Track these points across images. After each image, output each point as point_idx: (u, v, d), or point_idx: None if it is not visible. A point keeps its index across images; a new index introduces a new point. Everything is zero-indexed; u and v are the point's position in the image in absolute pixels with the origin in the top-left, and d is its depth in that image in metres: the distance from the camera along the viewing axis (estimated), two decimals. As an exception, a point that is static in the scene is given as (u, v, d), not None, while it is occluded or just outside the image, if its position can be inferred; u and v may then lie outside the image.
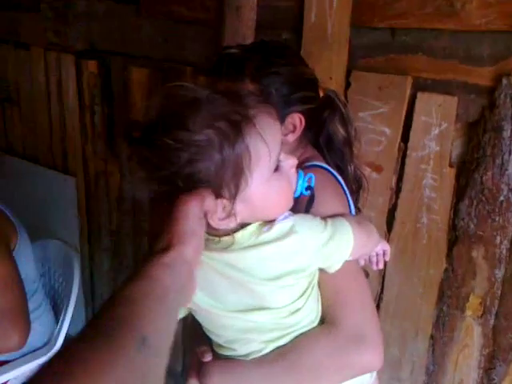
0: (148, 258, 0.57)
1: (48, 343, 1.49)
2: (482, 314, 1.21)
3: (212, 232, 0.68)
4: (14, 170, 2.60)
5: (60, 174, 2.39)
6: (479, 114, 1.15)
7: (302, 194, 0.72)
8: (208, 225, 0.63)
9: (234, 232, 0.68)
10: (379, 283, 1.35)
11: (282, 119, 0.80)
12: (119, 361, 0.46)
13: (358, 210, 1.02)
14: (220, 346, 0.81)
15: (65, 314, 1.53)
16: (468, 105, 1.17)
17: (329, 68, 1.34)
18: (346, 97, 1.33)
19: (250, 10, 1.46)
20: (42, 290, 1.56)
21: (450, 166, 1.21)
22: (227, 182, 0.62)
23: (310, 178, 0.73)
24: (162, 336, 0.53)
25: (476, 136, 1.15)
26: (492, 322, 1.20)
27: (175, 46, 1.75)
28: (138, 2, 1.81)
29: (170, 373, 2.04)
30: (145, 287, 0.53)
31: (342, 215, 0.77)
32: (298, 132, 0.91)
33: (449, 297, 1.25)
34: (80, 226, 2.38)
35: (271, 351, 0.75)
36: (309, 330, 0.76)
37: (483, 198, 1.15)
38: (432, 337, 1.31)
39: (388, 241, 1.30)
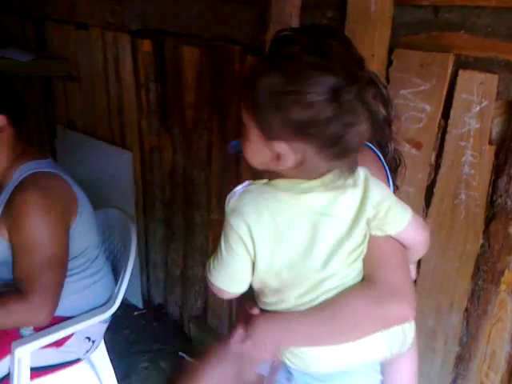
0: None
1: (107, 303, 1.62)
2: (517, 289, 1.24)
3: None
4: (76, 145, 2.78)
5: (118, 148, 2.55)
6: (520, 92, 1.16)
7: None
8: None
9: None
10: (416, 257, 1.39)
11: None
12: None
13: (396, 187, 1.07)
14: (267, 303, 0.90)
15: (123, 278, 1.66)
16: (509, 83, 1.17)
17: (371, 45, 1.37)
18: (387, 74, 1.36)
19: (296, -10, 1.50)
20: (104, 254, 1.68)
21: (490, 143, 1.22)
22: None
23: None
24: None
25: (516, 114, 1.16)
26: (526, 297, 1.23)
27: (224, 25, 1.82)
28: (190, -17, 1.89)
29: (216, 335, 2.18)
30: None
31: None
32: None
33: (484, 271, 1.28)
34: (135, 198, 2.54)
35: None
36: (350, 286, 0.84)
37: (521, 176, 1.17)
38: (466, 310, 1.34)
39: (426, 216, 1.34)
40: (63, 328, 1.48)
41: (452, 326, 1.38)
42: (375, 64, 1.36)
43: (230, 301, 2.17)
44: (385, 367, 0.97)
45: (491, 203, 1.24)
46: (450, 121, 1.27)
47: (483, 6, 1.18)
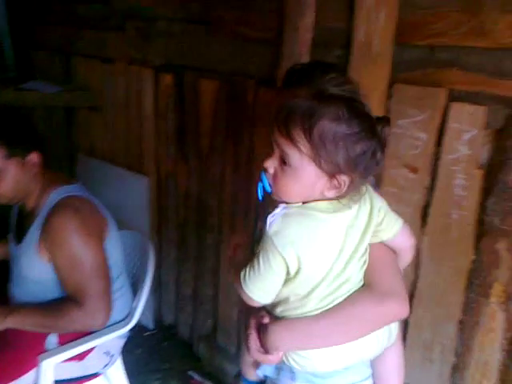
0: None
1: (126, 318, 1.73)
2: (505, 301, 1.34)
3: None
4: (96, 171, 2.94)
5: (136, 174, 2.70)
6: (506, 121, 1.30)
7: None
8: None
9: None
10: (414, 273, 1.51)
11: None
12: None
13: None
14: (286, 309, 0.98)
15: (141, 295, 1.77)
16: (496, 114, 1.32)
17: (374, 81, 1.53)
18: (388, 106, 1.51)
19: (307, 31, 1.68)
20: (125, 273, 1.81)
21: (479, 167, 1.35)
22: None
23: None
24: None
25: (502, 141, 1.30)
26: (515, 308, 1.33)
27: (240, 61, 2.00)
28: (209, 23, 2.09)
29: (225, 354, 2.26)
30: None
31: None
32: None
33: (476, 285, 1.39)
34: (151, 220, 2.67)
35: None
36: (356, 290, 0.95)
37: (506, 196, 1.29)
38: (461, 321, 1.44)
39: (422, 234, 1.46)
40: (86, 342, 1.59)
41: (448, 337, 1.48)
42: (376, 97, 1.51)
43: (239, 321, 2.27)
44: (373, 361, 1.08)
45: (480, 222, 1.36)
46: (442, 148, 1.41)
47: (473, 46, 1.33)
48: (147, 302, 1.76)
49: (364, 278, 0.97)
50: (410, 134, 1.46)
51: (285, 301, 0.97)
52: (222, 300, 2.37)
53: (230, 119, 2.10)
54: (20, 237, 1.60)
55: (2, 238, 1.82)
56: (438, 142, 1.42)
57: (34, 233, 1.53)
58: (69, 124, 3.14)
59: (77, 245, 1.48)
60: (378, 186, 1.16)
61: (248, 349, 1.03)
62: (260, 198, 0.89)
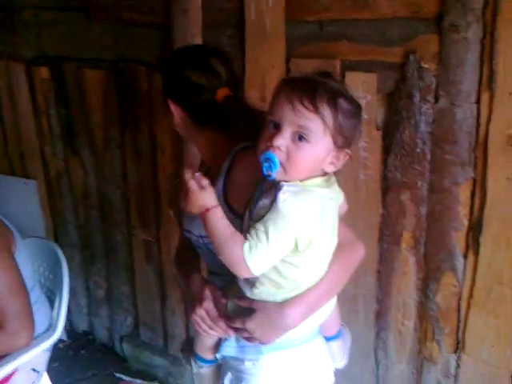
0: None
1: (48, 330, 1.63)
2: (414, 245, 1.50)
3: None
4: (-30, 181, 2.64)
5: (20, 178, 2.49)
6: (394, 85, 1.43)
7: None
8: None
9: None
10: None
11: None
12: None
13: None
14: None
15: (60, 304, 1.67)
16: (385, 79, 1.44)
17: (270, 58, 1.58)
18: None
19: (196, 12, 1.67)
20: (38, 284, 1.69)
21: (377, 129, 1.48)
22: None
23: None
24: None
25: (394, 103, 1.43)
26: (422, 250, 1.50)
27: (127, 47, 1.92)
28: (86, 9, 1.96)
29: (152, 348, 2.23)
30: None
31: None
32: None
33: (387, 235, 1.54)
34: (45, 226, 2.49)
35: None
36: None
37: (404, 152, 1.43)
38: (378, 271, 1.60)
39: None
40: (9, 362, 1.47)
41: (368, 287, 1.62)
42: (276, 73, 1.56)
43: (163, 313, 2.24)
44: None
45: (385, 178, 1.50)
46: (343, 115, 1.51)
47: (358, 19, 1.44)
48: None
49: None
50: (312, 106, 1.54)
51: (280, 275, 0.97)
52: (140, 295, 2.31)
53: (123, 109, 2.02)
54: None
55: None
56: (338, 110, 1.52)
57: None
58: None
59: None
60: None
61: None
62: (273, 177, 0.89)
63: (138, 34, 1.87)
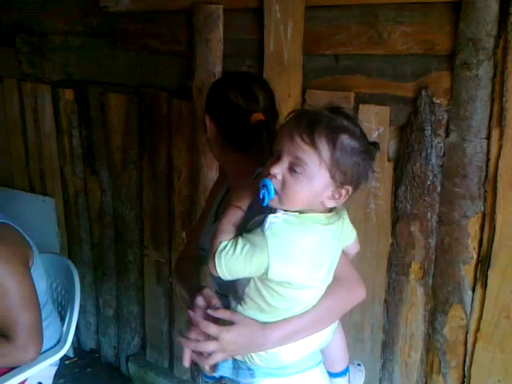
0: None
1: (57, 345, 1.66)
2: (423, 276, 1.51)
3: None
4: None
5: (38, 195, 2.55)
6: (407, 118, 1.47)
7: None
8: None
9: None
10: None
11: None
12: None
13: None
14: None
15: (70, 320, 1.71)
16: (398, 112, 1.48)
17: (287, 88, 1.63)
18: (302, 111, 1.62)
19: (218, 42, 1.74)
20: (50, 299, 1.72)
21: (388, 160, 1.52)
22: None
23: None
24: None
25: (406, 136, 1.47)
26: (431, 281, 1.51)
27: (150, 73, 2.00)
28: (112, 36, 2.05)
29: (157, 369, 2.23)
30: None
31: None
32: None
33: (395, 265, 1.55)
34: (60, 243, 2.54)
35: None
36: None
37: (415, 184, 1.46)
38: (385, 301, 1.60)
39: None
40: (17, 374, 1.50)
41: (376, 316, 1.62)
42: (292, 103, 1.62)
43: (170, 334, 2.25)
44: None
45: (395, 208, 1.52)
46: (356, 145, 1.55)
47: (373, 54, 1.49)
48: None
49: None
50: (325, 136, 1.58)
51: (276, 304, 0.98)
52: (148, 316, 2.33)
53: (142, 132, 2.08)
54: None
55: None
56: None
57: None
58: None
59: (2, 276, 1.39)
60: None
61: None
62: (266, 203, 0.91)
63: (160, 61, 1.95)
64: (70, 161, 2.39)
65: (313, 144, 0.87)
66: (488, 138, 1.35)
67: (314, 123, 0.88)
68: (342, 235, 1.01)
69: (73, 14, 2.16)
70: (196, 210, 1.94)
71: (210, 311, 1.02)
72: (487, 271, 1.39)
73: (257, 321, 0.99)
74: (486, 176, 1.37)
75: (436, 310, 1.52)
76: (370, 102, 1.52)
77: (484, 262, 1.40)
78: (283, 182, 0.90)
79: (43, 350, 1.58)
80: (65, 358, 2.59)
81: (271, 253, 0.89)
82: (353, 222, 1.08)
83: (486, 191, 1.38)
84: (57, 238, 2.54)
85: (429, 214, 1.46)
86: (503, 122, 1.31)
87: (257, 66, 1.70)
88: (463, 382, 1.50)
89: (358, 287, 1.08)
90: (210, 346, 1.00)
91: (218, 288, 1.10)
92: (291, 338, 1.01)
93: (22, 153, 2.58)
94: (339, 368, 1.23)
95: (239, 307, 1.00)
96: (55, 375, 2.40)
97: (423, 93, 1.41)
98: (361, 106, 1.53)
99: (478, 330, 1.44)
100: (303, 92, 1.62)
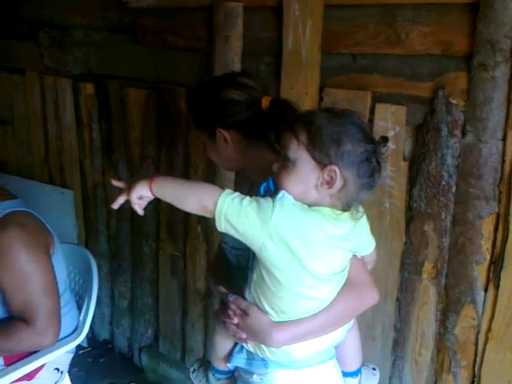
0: None
1: (74, 333, 1.69)
2: (435, 276, 1.52)
3: None
4: (12, 187, 2.76)
5: (57, 187, 2.60)
6: (423, 118, 1.48)
7: None
8: None
9: None
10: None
11: None
12: None
13: None
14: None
15: (87, 308, 1.75)
16: (414, 112, 1.49)
17: (304, 86, 1.65)
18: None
19: (237, 39, 1.76)
20: (69, 288, 1.75)
21: (404, 160, 1.53)
22: None
23: None
24: None
25: (421, 136, 1.48)
26: (443, 281, 1.52)
27: (169, 69, 2.03)
28: (133, 32, 2.09)
29: (170, 360, 2.26)
30: None
31: None
32: None
33: (408, 264, 1.56)
34: (78, 234, 2.59)
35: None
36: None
37: (430, 184, 1.47)
38: (397, 299, 1.62)
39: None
40: (35, 359, 1.54)
41: (387, 314, 1.64)
42: (309, 101, 1.63)
43: (182, 327, 2.29)
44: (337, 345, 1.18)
45: (409, 208, 1.53)
46: (372, 144, 1.56)
47: (390, 54, 1.50)
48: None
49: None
50: (341, 134, 1.60)
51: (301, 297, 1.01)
52: (162, 308, 2.37)
53: (161, 127, 2.11)
54: None
55: None
56: (367, 140, 1.57)
57: None
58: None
59: (24, 262, 1.43)
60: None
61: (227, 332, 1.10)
62: (260, 195, 0.96)
63: (179, 57, 1.98)
64: (89, 154, 2.43)
65: (292, 130, 0.94)
66: (504, 139, 1.35)
67: (297, 116, 0.98)
68: (359, 243, 1.03)
69: (94, 9, 2.20)
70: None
71: (231, 298, 1.06)
72: (500, 272, 1.39)
73: (267, 319, 1.02)
74: (501, 177, 1.37)
75: (448, 309, 1.53)
76: (387, 102, 1.53)
77: (497, 263, 1.41)
78: (277, 173, 0.96)
79: (61, 337, 1.61)
80: (79, 347, 2.64)
81: (274, 216, 0.91)
82: (367, 219, 1.09)
83: (500, 192, 1.38)
84: (74, 230, 2.59)
85: (443, 213, 1.47)
86: (519, 124, 1.31)
87: (275, 64, 1.72)
88: (473, 381, 1.51)
89: (371, 291, 1.09)
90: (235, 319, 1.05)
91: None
92: (299, 339, 1.03)
93: (42, 145, 2.63)
94: (350, 368, 1.25)
95: (249, 296, 1.04)
96: (70, 364, 2.48)
97: (440, 93, 1.42)
98: (377, 105, 1.54)
99: (489, 330, 1.45)
100: (320, 90, 1.64)
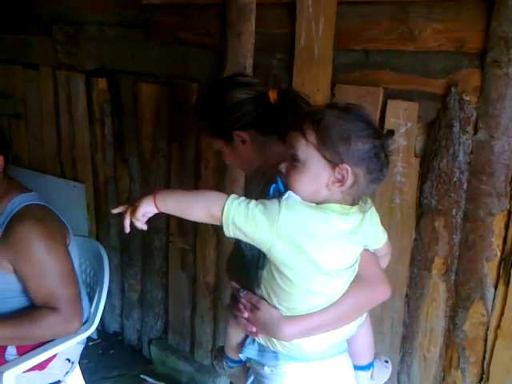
0: None
1: (85, 324, 1.71)
2: (445, 272, 1.53)
3: None
4: (24, 181, 2.80)
5: (69, 181, 2.63)
6: (435, 115, 1.48)
7: None
8: None
9: None
10: (363, 255, 1.66)
11: None
12: None
13: None
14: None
15: (99, 300, 1.78)
16: (426, 108, 1.50)
17: (316, 82, 1.66)
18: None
19: (250, 36, 1.77)
20: (81, 279, 1.78)
21: (415, 156, 1.53)
22: None
23: None
24: None
25: (433, 132, 1.48)
26: (453, 277, 1.52)
27: (181, 65, 2.05)
28: (147, 28, 2.10)
29: (179, 352, 2.28)
30: None
31: None
32: None
33: (418, 260, 1.57)
34: (89, 228, 2.62)
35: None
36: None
37: (441, 180, 1.48)
38: (407, 295, 1.62)
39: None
40: (46, 349, 1.57)
41: (396, 310, 1.65)
42: (321, 97, 1.64)
43: (192, 320, 2.31)
44: (349, 339, 1.18)
45: (420, 204, 1.54)
46: (383, 140, 1.57)
47: (403, 50, 1.51)
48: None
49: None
50: (353, 130, 1.60)
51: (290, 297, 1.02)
52: (171, 301, 2.39)
53: (172, 122, 2.13)
54: None
55: None
56: (379, 136, 1.58)
57: None
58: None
59: (43, 253, 1.46)
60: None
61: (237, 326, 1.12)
62: (270, 196, 0.96)
63: (192, 53, 1.99)
64: (101, 148, 2.46)
65: (299, 130, 0.93)
66: (516, 136, 1.35)
67: (303, 114, 0.97)
68: (368, 235, 1.02)
69: (109, 5, 2.22)
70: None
71: (242, 293, 1.08)
72: (510, 269, 1.40)
73: (277, 313, 1.03)
74: (513, 174, 1.37)
75: (457, 305, 1.54)
76: (399, 98, 1.54)
77: (507, 260, 1.41)
78: (286, 174, 0.96)
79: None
80: (89, 339, 2.68)
81: (280, 223, 0.91)
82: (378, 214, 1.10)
83: (512, 189, 1.38)
84: (85, 223, 2.62)
85: (454, 210, 1.47)
86: (532, 121, 1.31)
87: (287, 60, 1.73)
88: (481, 378, 1.52)
89: (382, 286, 1.09)
90: (246, 313, 1.07)
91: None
92: (309, 333, 1.04)
93: (54, 139, 2.66)
94: (362, 361, 1.25)
95: (259, 293, 1.05)
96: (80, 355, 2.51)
97: (453, 90, 1.42)
98: (389, 101, 1.55)
99: (498, 327, 1.45)
100: (332, 86, 1.65)
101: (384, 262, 1.19)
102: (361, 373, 1.25)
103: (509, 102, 1.33)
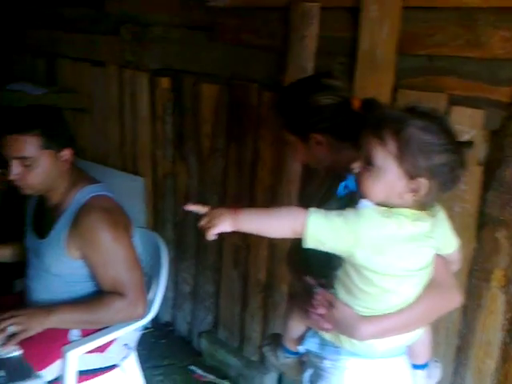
0: None
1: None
2: (505, 284, 1.49)
3: None
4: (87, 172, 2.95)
5: (129, 174, 2.74)
6: (500, 123, 1.45)
7: None
8: None
9: None
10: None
11: None
12: None
13: None
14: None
15: (157, 289, 1.84)
16: (491, 116, 1.46)
17: (378, 86, 1.65)
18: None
19: (312, 39, 1.79)
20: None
21: (479, 164, 1.50)
22: None
23: None
24: None
25: (498, 141, 1.45)
26: (513, 290, 1.49)
27: (243, 66, 2.09)
28: (211, 29, 2.16)
29: (227, 347, 2.33)
30: None
31: None
32: None
33: (477, 270, 1.54)
34: (146, 221, 2.72)
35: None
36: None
37: (504, 190, 1.44)
38: (464, 306, 1.59)
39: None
40: (108, 333, 1.65)
41: (451, 320, 1.62)
42: (382, 101, 1.63)
43: (241, 316, 2.36)
44: None
45: (481, 213, 1.51)
46: (445, 147, 1.55)
47: (469, 57, 1.48)
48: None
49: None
50: (414, 136, 1.59)
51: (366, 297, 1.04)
52: (222, 297, 2.45)
53: (231, 122, 2.18)
54: (42, 231, 1.64)
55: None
56: (441, 143, 1.56)
57: (61, 230, 1.57)
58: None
59: (110, 241, 1.54)
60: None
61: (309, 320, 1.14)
62: (340, 194, 1.00)
63: (254, 55, 2.03)
64: (161, 145, 2.55)
65: (379, 137, 0.93)
66: None
67: (384, 118, 0.95)
68: (440, 240, 1.03)
69: (174, 7, 2.30)
70: (277, 200, 2.02)
71: (316, 290, 1.10)
72: None
73: (354, 312, 1.05)
74: None
75: (516, 319, 1.50)
76: (463, 105, 1.51)
77: None
78: (359, 175, 0.97)
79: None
80: (143, 327, 2.79)
81: (361, 234, 0.94)
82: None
83: None
84: (143, 215, 2.72)
85: (517, 221, 1.44)
86: None
87: (348, 64, 1.73)
88: (539, 395, 1.48)
89: (454, 294, 1.10)
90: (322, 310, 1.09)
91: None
92: (383, 334, 1.06)
93: (117, 134, 2.77)
94: (421, 360, 1.26)
95: (331, 291, 1.07)
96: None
97: (520, 98, 1.39)
98: (454, 107, 1.53)
99: (559, 344, 1.41)
100: (394, 91, 1.64)
101: (453, 269, 1.19)
102: (419, 372, 1.26)
103: None
